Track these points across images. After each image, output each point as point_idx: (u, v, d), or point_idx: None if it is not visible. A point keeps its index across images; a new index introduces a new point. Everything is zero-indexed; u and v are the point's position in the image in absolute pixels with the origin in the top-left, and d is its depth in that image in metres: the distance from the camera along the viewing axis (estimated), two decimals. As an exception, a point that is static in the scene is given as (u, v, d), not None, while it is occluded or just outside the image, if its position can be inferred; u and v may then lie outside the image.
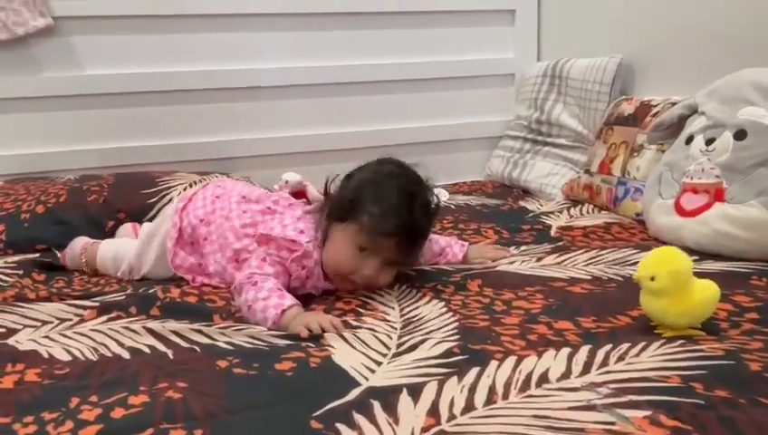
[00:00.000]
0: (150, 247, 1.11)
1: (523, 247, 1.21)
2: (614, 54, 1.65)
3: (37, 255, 1.24)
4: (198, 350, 0.80)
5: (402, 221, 0.94)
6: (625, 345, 0.73)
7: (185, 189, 1.42)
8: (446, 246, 1.14)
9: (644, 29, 1.62)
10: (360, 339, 0.80)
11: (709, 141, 1.15)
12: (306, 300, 0.96)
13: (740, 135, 1.10)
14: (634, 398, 0.62)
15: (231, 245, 1.03)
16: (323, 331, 0.82)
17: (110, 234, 1.31)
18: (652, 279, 0.75)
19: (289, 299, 0.90)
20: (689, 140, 1.20)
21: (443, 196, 1.69)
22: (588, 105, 1.68)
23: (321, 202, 1.05)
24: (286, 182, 1.58)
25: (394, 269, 0.99)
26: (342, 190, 1.00)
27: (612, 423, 0.58)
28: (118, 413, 0.65)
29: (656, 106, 1.45)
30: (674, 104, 1.34)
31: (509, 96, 1.98)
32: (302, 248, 0.96)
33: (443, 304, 0.92)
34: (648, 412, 0.59)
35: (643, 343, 0.74)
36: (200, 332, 0.85)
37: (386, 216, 0.93)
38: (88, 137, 1.65)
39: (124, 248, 1.15)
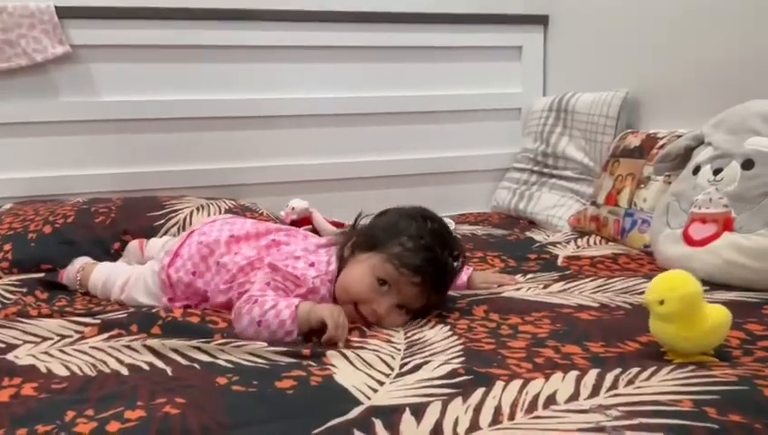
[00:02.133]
0: (138, 296, 1.09)
1: (529, 275, 1.19)
2: (619, 89, 1.66)
3: (42, 274, 1.24)
4: (198, 367, 0.79)
5: (433, 258, 0.92)
6: (634, 369, 0.71)
7: (191, 213, 1.42)
8: None
9: (649, 64, 1.64)
10: (363, 359, 0.78)
11: (717, 171, 1.15)
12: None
13: (747, 165, 1.10)
14: (645, 421, 0.60)
15: (237, 280, 1.01)
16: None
17: (116, 255, 1.31)
18: (661, 303, 0.73)
19: (295, 298, 0.90)
20: (696, 170, 1.20)
21: (449, 225, 1.69)
22: (594, 138, 1.69)
23: (343, 232, 1.03)
24: (293, 209, 1.59)
25: (405, 315, 0.94)
26: (375, 222, 0.99)
27: (623, 445, 0.56)
28: (113, 427, 0.63)
29: (662, 139, 1.46)
30: (680, 137, 1.34)
31: (516, 129, 2.00)
32: (306, 287, 0.94)
33: (448, 328, 0.90)
34: (659, 435, 0.57)
35: (653, 368, 0.72)
36: (200, 349, 0.84)
37: (418, 251, 0.91)
38: (100, 161, 1.68)
39: (114, 277, 1.13)
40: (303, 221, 1.57)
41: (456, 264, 0.97)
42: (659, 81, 1.61)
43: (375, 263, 0.93)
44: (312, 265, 0.96)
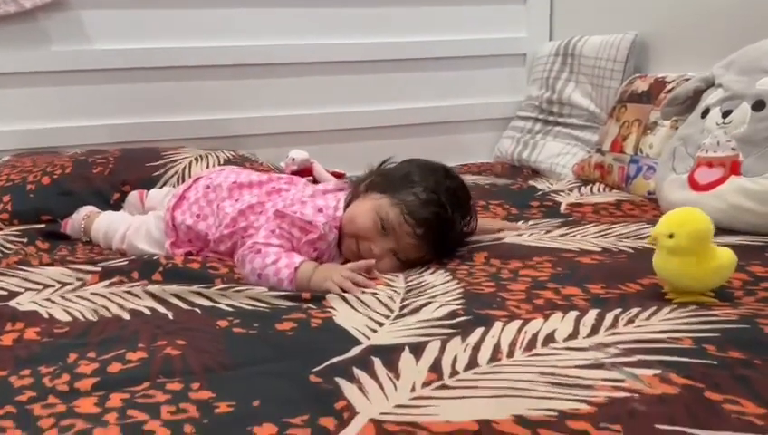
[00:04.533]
0: (139, 243, 1.09)
1: (531, 222, 1.19)
2: (628, 31, 1.61)
3: (42, 225, 1.25)
4: (199, 311, 0.80)
5: (442, 215, 0.90)
6: (635, 309, 0.71)
7: (190, 163, 1.41)
8: None
9: (658, 5, 1.58)
10: (363, 302, 0.79)
11: (726, 114, 1.12)
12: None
13: (758, 106, 1.07)
14: (644, 358, 0.60)
15: (239, 224, 1.01)
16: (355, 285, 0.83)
17: (116, 205, 1.31)
18: (671, 236, 0.72)
19: (298, 257, 0.89)
20: (705, 113, 1.17)
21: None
22: (601, 83, 1.65)
23: (361, 176, 1.02)
24: (293, 159, 1.57)
25: (399, 264, 0.93)
26: (397, 167, 0.98)
27: (621, 380, 0.56)
28: (115, 368, 0.64)
29: (670, 83, 1.42)
30: (689, 80, 1.31)
31: (520, 76, 1.96)
32: (318, 232, 0.93)
33: (448, 273, 0.90)
34: (657, 371, 0.57)
35: (654, 308, 0.71)
36: (201, 294, 0.84)
37: (428, 204, 0.90)
38: (96, 112, 1.65)
39: (116, 225, 1.13)
40: (304, 172, 1.56)
41: (466, 229, 0.95)
42: (670, 22, 1.55)
43: (383, 204, 0.92)
44: (320, 210, 0.95)
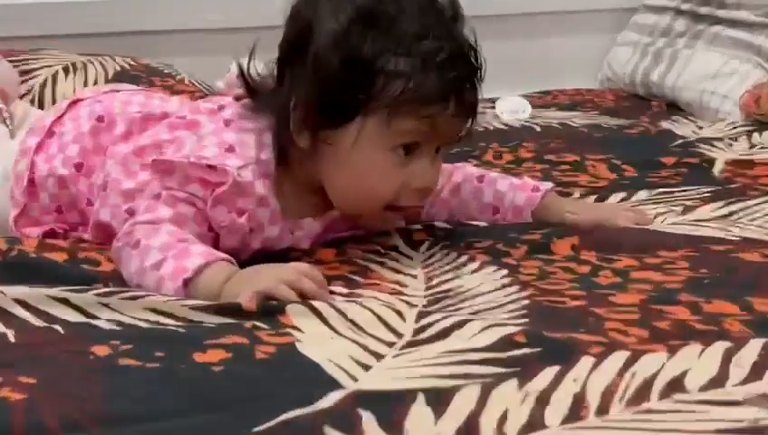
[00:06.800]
0: None
1: (660, 191, 1.23)
2: None
3: None
4: (61, 330, 0.82)
5: (455, 56, 0.94)
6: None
7: (55, 76, 1.45)
8: (505, 192, 1.12)
9: None
10: (349, 319, 0.81)
11: None
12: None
13: None
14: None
15: (120, 186, 1.02)
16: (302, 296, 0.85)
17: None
18: None
19: (197, 257, 0.90)
20: None
21: (524, 110, 1.69)
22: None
23: (267, 93, 1.02)
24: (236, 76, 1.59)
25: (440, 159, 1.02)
26: (324, 58, 0.94)
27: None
28: None
29: None
30: None
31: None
32: (229, 178, 0.95)
33: (505, 272, 0.93)
34: None
35: None
36: (67, 302, 0.86)
37: (428, 65, 0.92)
38: None
39: None
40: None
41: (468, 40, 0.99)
42: None
43: (380, 132, 0.95)
44: (229, 148, 0.97)
